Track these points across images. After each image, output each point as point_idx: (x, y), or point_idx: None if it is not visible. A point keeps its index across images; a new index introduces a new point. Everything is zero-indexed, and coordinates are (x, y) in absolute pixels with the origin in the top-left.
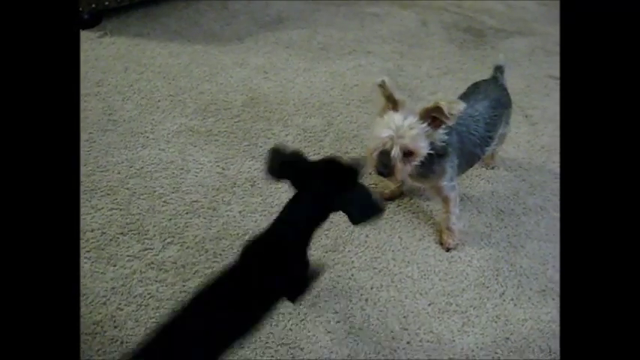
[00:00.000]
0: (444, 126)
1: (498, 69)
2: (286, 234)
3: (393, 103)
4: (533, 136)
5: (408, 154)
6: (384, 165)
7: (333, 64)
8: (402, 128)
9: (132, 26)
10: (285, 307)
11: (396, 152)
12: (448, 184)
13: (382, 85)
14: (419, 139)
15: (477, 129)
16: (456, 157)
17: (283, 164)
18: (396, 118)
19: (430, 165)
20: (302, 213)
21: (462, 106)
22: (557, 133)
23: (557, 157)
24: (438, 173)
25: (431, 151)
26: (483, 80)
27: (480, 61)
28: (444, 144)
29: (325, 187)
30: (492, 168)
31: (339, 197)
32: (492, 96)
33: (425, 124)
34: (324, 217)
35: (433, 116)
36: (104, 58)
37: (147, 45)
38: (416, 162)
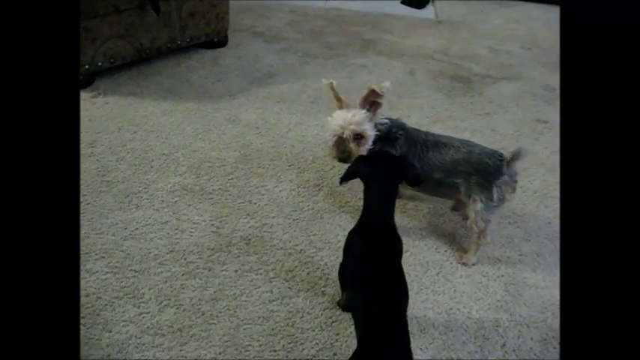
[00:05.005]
0: (380, 109)
1: (514, 155)
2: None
3: (339, 102)
4: (525, 181)
5: (358, 137)
6: (342, 151)
7: (324, 117)
8: (348, 118)
9: (124, 85)
10: None
11: (347, 135)
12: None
13: (330, 85)
14: (363, 122)
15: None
16: (405, 142)
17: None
18: (342, 113)
19: (383, 147)
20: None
21: (387, 84)
22: (549, 177)
23: (549, 202)
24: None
25: (377, 132)
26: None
27: (468, 108)
28: (385, 125)
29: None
30: (463, 263)
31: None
32: (469, 158)
33: (365, 111)
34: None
35: (372, 101)
36: (97, 119)
37: (140, 104)
38: (367, 144)
